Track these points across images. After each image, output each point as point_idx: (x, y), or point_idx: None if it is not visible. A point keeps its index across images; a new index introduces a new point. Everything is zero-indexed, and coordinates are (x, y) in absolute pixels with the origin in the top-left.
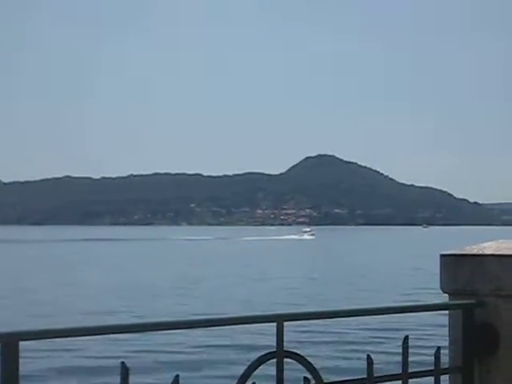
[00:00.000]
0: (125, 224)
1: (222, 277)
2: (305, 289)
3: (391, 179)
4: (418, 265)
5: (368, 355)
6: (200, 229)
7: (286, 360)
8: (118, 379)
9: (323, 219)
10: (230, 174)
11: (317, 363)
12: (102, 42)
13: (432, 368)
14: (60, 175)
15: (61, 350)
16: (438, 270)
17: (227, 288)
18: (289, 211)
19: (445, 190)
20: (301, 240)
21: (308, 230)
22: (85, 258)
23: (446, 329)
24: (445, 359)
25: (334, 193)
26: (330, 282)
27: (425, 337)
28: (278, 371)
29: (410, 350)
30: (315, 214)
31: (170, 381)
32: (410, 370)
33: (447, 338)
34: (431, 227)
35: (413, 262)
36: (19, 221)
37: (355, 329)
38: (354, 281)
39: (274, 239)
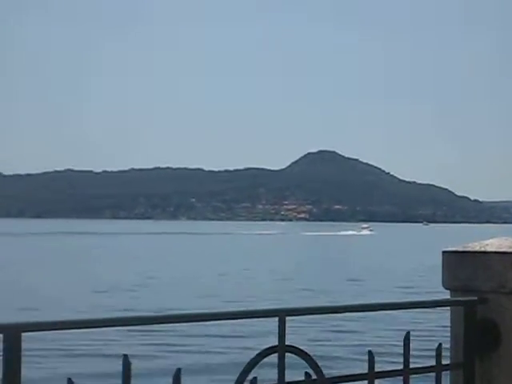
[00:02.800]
0: (125, 218)
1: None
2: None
3: (392, 176)
4: None
5: (369, 351)
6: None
7: (287, 354)
8: (120, 372)
9: (323, 215)
10: (231, 169)
11: (318, 358)
12: (103, 40)
13: (433, 364)
14: (61, 168)
15: (63, 341)
16: None
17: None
18: (289, 207)
19: (446, 187)
20: (360, 236)
21: (366, 226)
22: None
23: (448, 325)
24: (446, 355)
25: (334, 189)
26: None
27: (426, 333)
28: (279, 365)
29: (412, 346)
30: (315, 209)
31: (172, 374)
32: (411, 366)
33: (449, 335)
34: (431, 225)
35: None
36: (20, 214)
37: (357, 324)
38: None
39: (334, 235)
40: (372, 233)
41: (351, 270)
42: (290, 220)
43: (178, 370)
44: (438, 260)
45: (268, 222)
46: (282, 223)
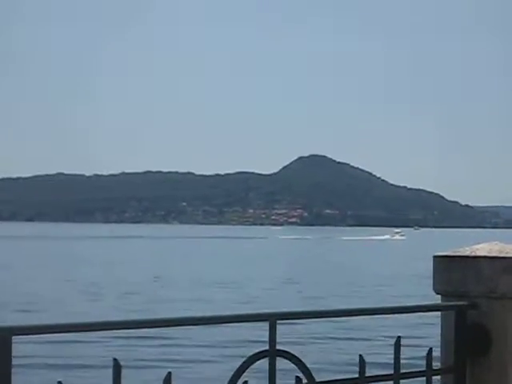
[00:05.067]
0: (116, 221)
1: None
2: None
3: (383, 181)
4: None
5: (360, 355)
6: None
7: (278, 359)
8: (110, 375)
9: (314, 220)
10: (222, 173)
11: (309, 362)
12: (102, 41)
13: (424, 369)
14: (53, 172)
15: (54, 345)
16: None
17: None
18: (280, 211)
19: (436, 192)
20: (394, 240)
21: (399, 230)
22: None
23: (439, 330)
24: (437, 360)
25: (325, 193)
26: None
27: (417, 337)
28: (270, 370)
29: (403, 351)
30: (306, 214)
31: (163, 377)
32: (401, 371)
33: (439, 339)
34: (423, 229)
35: None
36: (11, 217)
37: (348, 329)
38: None
39: (370, 239)
40: (403, 238)
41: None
42: (281, 224)
43: (169, 374)
44: None
45: (258, 227)
46: (279, 228)
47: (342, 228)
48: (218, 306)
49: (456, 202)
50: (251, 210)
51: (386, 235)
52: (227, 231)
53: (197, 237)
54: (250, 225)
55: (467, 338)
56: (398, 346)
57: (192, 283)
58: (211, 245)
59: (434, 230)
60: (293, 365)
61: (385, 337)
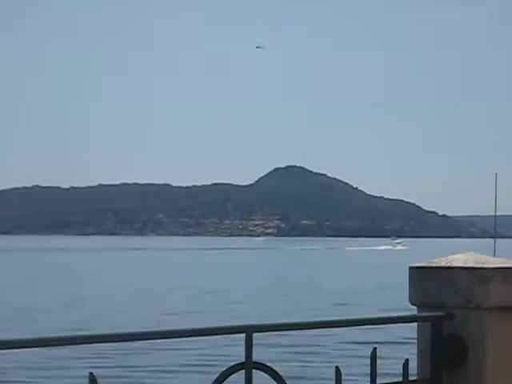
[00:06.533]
0: (93, 234)
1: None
2: None
3: (360, 191)
4: None
5: (336, 367)
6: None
7: (254, 371)
8: None
9: (291, 230)
10: (199, 184)
11: (286, 374)
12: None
13: (400, 380)
14: (29, 184)
15: (28, 359)
16: None
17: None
18: (257, 222)
19: (413, 202)
20: (395, 250)
21: (399, 241)
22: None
23: (415, 341)
24: (413, 371)
25: (302, 204)
26: None
27: (393, 349)
28: (246, 382)
29: (379, 362)
30: (283, 225)
31: None
32: (378, 382)
33: (416, 350)
34: (400, 239)
35: None
36: None
37: (324, 340)
38: None
39: (371, 249)
40: (404, 247)
41: None
42: (258, 235)
43: None
44: None
45: (236, 238)
46: (261, 238)
47: (319, 238)
48: (195, 317)
49: (433, 212)
50: (228, 222)
51: (387, 245)
52: (205, 242)
53: (173, 248)
54: (227, 236)
55: (443, 349)
56: (374, 357)
57: (166, 295)
58: (188, 256)
59: (410, 240)
60: (269, 377)
61: (361, 348)
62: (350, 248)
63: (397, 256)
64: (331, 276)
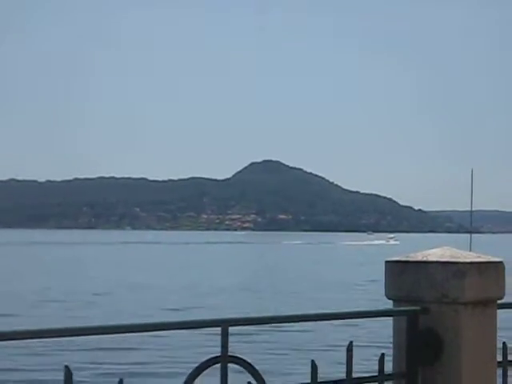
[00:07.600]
0: (69, 227)
1: None
2: None
3: (336, 186)
4: None
5: (312, 361)
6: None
7: (230, 365)
8: (61, 383)
9: (268, 225)
10: (175, 178)
11: (261, 368)
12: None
13: (376, 374)
14: (5, 178)
15: (4, 351)
16: None
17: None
18: (234, 216)
19: (389, 197)
20: (388, 245)
21: (392, 236)
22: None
23: (391, 335)
24: (389, 365)
25: (278, 199)
26: None
27: (369, 343)
28: (222, 376)
29: (355, 356)
30: (260, 219)
31: None
32: (353, 376)
33: (391, 345)
34: (376, 234)
35: None
36: None
37: (300, 334)
38: None
39: (367, 244)
40: (397, 242)
41: None
42: (235, 230)
43: (121, 381)
44: None
45: (215, 232)
46: (241, 233)
47: (296, 233)
48: (172, 313)
49: (409, 207)
50: (205, 216)
51: (380, 240)
52: (183, 236)
53: (150, 242)
54: (204, 230)
55: (419, 343)
56: (350, 350)
57: (142, 289)
58: (165, 251)
59: (386, 234)
60: (245, 370)
61: (337, 342)
62: (345, 243)
63: (395, 250)
64: (335, 271)
